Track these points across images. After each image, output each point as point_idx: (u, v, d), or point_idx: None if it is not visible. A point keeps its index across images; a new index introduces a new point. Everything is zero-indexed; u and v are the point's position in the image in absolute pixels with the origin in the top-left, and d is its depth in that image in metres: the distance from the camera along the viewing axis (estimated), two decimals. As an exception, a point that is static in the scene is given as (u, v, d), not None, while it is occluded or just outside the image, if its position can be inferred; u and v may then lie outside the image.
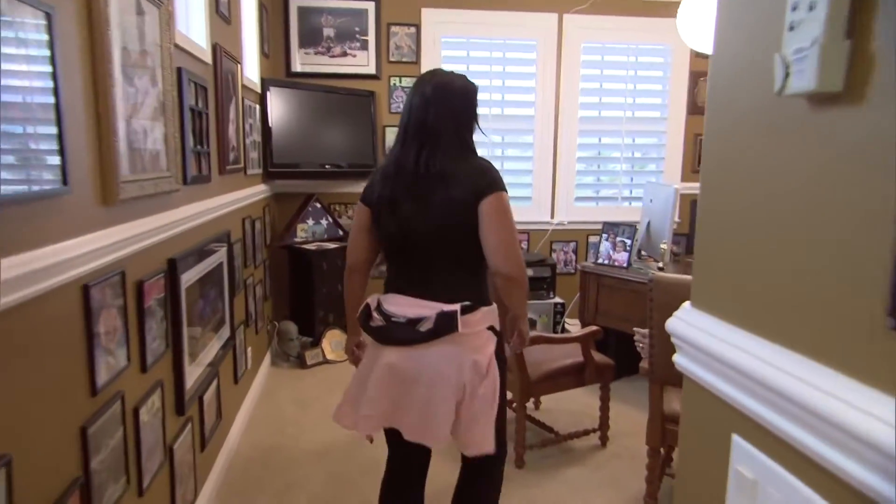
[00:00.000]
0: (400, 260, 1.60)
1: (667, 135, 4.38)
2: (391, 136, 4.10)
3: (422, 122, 1.53)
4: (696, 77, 4.42)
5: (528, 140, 4.26)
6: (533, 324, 3.75)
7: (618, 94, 4.28)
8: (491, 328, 1.58)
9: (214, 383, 2.26)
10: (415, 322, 1.51)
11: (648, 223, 3.37)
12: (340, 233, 3.99)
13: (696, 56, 4.31)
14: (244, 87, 2.97)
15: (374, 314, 1.58)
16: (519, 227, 4.04)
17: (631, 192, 4.38)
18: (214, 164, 2.34)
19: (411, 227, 1.54)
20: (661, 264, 3.10)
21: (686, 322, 0.93)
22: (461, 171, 1.50)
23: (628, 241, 3.21)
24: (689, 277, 1.81)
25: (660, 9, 4.19)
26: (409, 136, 1.55)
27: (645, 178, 4.36)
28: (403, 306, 1.55)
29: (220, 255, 2.35)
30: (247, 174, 3.04)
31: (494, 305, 1.59)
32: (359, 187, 4.18)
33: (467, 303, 1.52)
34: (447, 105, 1.54)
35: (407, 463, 1.70)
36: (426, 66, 4.03)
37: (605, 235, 3.42)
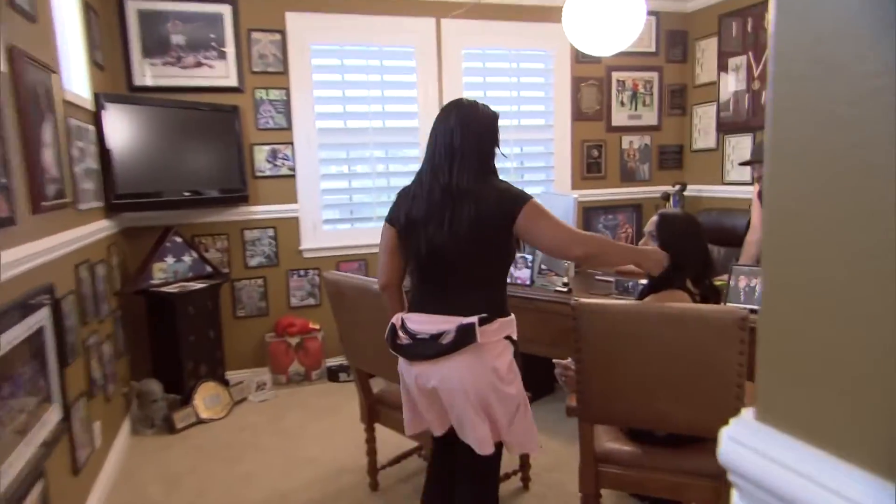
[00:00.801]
0: (423, 277, 1.69)
1: (554, 142, 4.24)
2: (261, 155, 3.73)
3: (449, 145, 1.64)
4: (578, 83, 4.33)
5: (413, 153, 3.97)
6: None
7: (503, 102, 4.10)
8: (508, 338, 1.67)
9: (39, 486, 1.79)
10: (437, 337, 1.63)
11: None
12: (209, 269, 3.52)
13: (578, 62, 4.24)
14: (67, 103, 2.50)
15: (400, 333, 1.70)
16: None
17: (524, 202, 4.02)
18: (22, 200, 1.87)
19: (437, 245, 1.63)
20: (565, 279, 2.94)
21: (752, 450, 0.61)
22: (485, 191, 1.61)
23: (529, 258, 3.02)
24: (616, 303, 1.68)
25: (540, 14, 4.06)
26: (437, 158, 1.66)
27: (535, 187, 4.19)
28: (426, 324, 1.66)
29: (39, 319, 1.91)
30: (78, 209, 2.55)
31: (512, 317, 1.68)
32: (228, 215, 3.78)
33: (484, 315, 1.62)
34: (471, 129, 1.66)
35: (447, 464, 1.82)
36: (295, 77, 3.68)
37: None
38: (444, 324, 1.62)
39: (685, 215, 1.92)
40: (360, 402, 2.46)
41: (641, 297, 1.86)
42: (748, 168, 3.64)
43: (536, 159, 4.24)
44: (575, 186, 4.29)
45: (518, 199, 1.61)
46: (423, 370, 1.67)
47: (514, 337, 1.68)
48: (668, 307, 1.60)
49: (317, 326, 3.81)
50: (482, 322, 1.61)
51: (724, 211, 3.90)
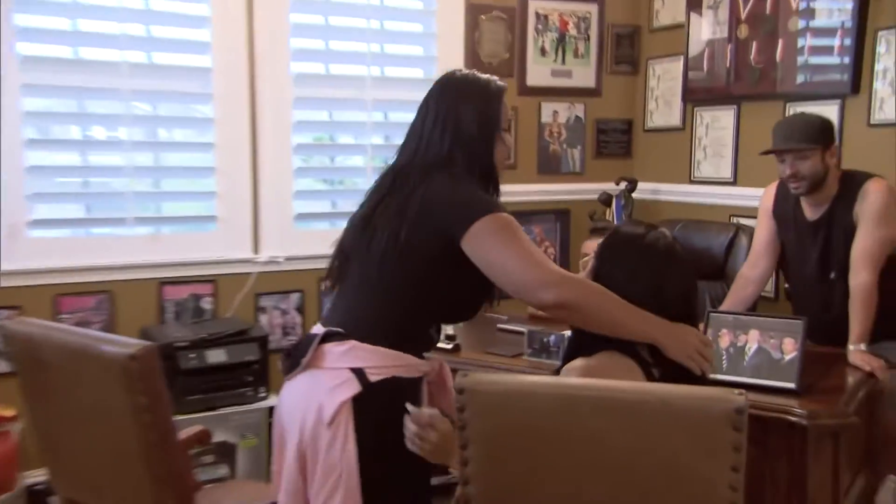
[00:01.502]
0: (337, 287, 1.79)
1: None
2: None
3: (419, 125, 1.67)
4: (476, 14, 3.83)
5: (203, 113, 3.45)
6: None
7: (355, 37, 3.63)
8: (357, 372, 1.58)
9: None
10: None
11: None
12: None
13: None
14: None
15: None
16: (198, 269, 3.31)
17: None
18: None
19: (354, 238, 1.67)
20: (449, 328, 2.53)
21: None
22: (436, 186, 1.58)
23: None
24: (525, 380, 1.41)
25: None
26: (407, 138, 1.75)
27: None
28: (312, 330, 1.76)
29: None
30: None
31: (396, 353, 1.60)
32: None
33: (338, 329, 1.62)
34: (446, 107, 1.64)
35: None
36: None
37: None
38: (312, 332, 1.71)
39: (657, 237, 1.59)
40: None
41: (567, 360, 1.59)
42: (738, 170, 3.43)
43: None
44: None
45: (472, 208, 1.55)
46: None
47: (373, 378, 1.59)
48: (613, 389, 1.33)
49: (10, 413, 2.95)
50: (331, 337, 1.60)
51: (694, 224, 3.45)
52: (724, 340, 2.13)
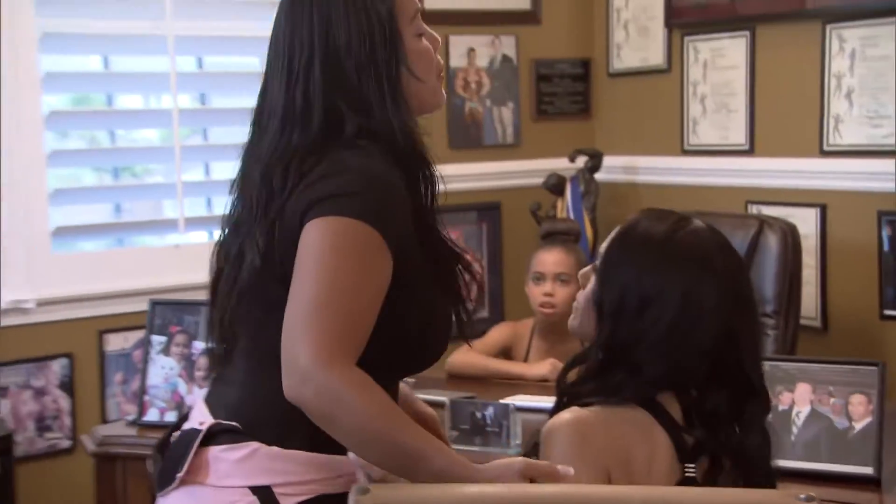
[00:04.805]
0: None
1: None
2: None
3: (274, 70, 1.42)
4: None
5: None
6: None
7: None
8: (262, 492, 1.38)
9: None
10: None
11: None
12: None
13: None
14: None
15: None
16: None
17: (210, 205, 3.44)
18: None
19: (222, 273, 1.50)
20: None
21: None
22: (315, 177, 1.37)
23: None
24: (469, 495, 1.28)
25: None
26: (262, 100, 1.45)
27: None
28: (191, 420, 1.54)
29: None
30: None
31: (320, 458, 1.40)
32: None
33: (233, 423, 1.41)
34: (314, 32, 1.40)
35: None
36: None
37: (157, 339, 2.59)
38: (192, 421, 1.50)
39: (692, 235, 1.47)
40: None
41: (554, 412, 1.50)
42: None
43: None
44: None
45: (316, 203, 1.31)
46: None
47: (287, 502, 1.40)
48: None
49: None
50: (217, 435, 1.39)
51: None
52: (783, 402, 2.06)
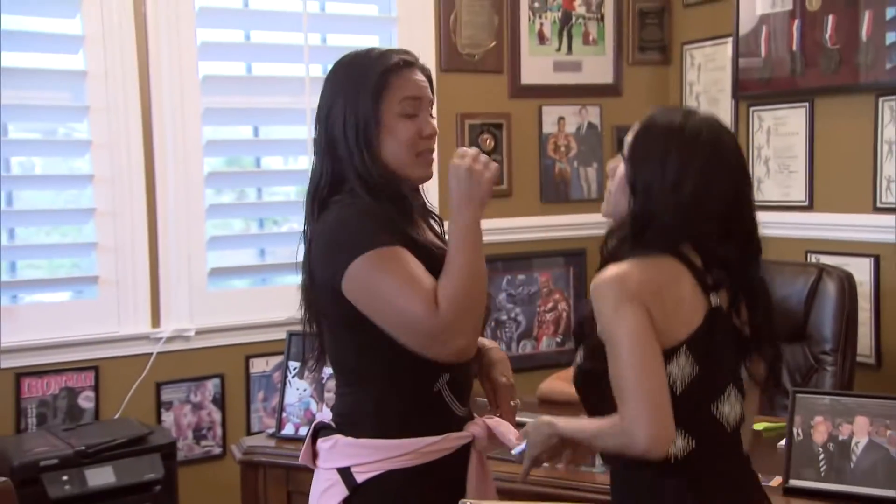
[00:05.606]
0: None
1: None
2: None
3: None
4: None
5: (76, 132, 3.30)
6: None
7: (286, 24, 3.49)
8: (344, 473, 1.65)
9: None
10: None
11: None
12: None
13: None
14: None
15: None
16: (70, 352, 3.04)
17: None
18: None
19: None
20: None
21: None
22: (319, 229, 1.69)
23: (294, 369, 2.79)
24: None
25: None
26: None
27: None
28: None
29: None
30: None
31: (385, 443, 1.64)
32: None
33: (326, 422, 1.74)
34: (324, 106, 1.69)
35: None
36: None
37: (293, 364, 2.69)
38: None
39: (700, 123, 1.70)
40: None
41: (602, 264, 1.72)
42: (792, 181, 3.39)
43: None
44: (445, 214, 3.39)
45: (345, 250, 1.60)
46: None
47: (360, 478, 1.65)
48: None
49: None
50: (320, 431, 1.73)
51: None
52: (821, 433, 2.04)
